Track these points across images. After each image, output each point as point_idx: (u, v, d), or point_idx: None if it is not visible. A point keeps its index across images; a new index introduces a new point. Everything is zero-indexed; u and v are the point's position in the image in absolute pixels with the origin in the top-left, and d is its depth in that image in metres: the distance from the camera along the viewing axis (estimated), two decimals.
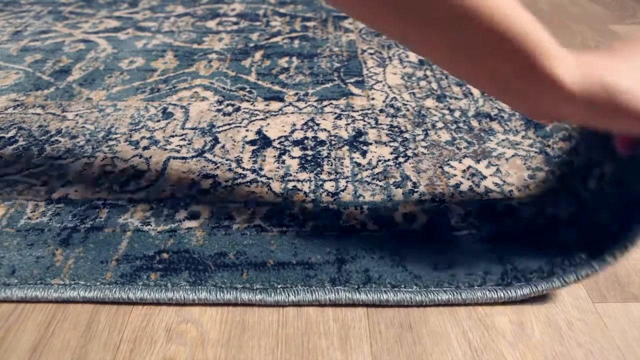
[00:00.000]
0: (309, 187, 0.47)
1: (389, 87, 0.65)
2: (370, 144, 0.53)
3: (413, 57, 0.74)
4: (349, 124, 0.57)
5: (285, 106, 0.61)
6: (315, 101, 0.62)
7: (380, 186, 0.47)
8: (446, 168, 0.49)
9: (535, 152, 0.51)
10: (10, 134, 0.55)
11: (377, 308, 0.36)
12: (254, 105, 0.61)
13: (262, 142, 0.54)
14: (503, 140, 0.54)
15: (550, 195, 0.44)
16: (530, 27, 0.28)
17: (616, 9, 0.98)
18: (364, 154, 0.52)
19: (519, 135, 0.54)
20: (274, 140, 0.54)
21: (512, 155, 0.51)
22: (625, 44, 0.33)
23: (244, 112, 0.60)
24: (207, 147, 0.53)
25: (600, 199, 0.38)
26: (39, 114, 0.59)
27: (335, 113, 0.59)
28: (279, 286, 0.37)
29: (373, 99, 0.63)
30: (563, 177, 0.44)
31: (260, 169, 0.50)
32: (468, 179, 0.48)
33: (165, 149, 0.53)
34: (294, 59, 0.74)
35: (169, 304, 0.36)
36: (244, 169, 0.50)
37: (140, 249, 0.40)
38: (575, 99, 0.29)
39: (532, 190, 0.46)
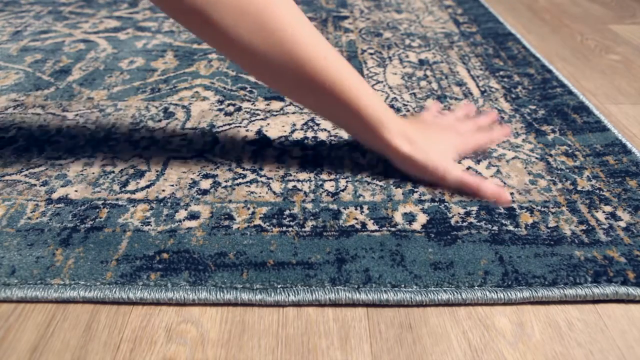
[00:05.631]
0: (309, 187, 0.47)
1: (389, 87, 0.65)
2: None
3: (413, 57, 0.74)
4: None
5: (286, 106, 0.61)
6: None
7: (380, 186, 0.47)
8: None
9: (537, 158, 0.51)
10: (10, 134, 0.55)
11: (377, 308, 0.36)
12: (255, 105, 0.61)
13: (262, 142, 0.54)
14: (503, 141, 0.54)
15: (552, 207, 0.44)
16: (374, 104, 0.43)
17: (616, 9, 0.98)
18: (364, 153, 0.52)
19: (520, 138, 0.54)
20: (274, 140, 0.54)
21: (513, 158, 0.51)
22: (423, 121, 0.53)
23: (245, 111, 0.60)
24: (207, 147, 0.53)
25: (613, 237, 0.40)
26: (39, 114, 0.59)
27: None
28: (279, 286, 0.37)
29: None
30: (565, 192, 0.45)
31: (260, 169, 0.50)
32: None
33: (166, 149, 0.53)
34: None
35: (169, 304, 0.36)
36: (244, 169, 0.50)
37: (140, 249, 0.40)
38: (406, 158, 0.46)
39: (533, 196, 0.46)
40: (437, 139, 0.48)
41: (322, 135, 0.55)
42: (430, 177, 0.46)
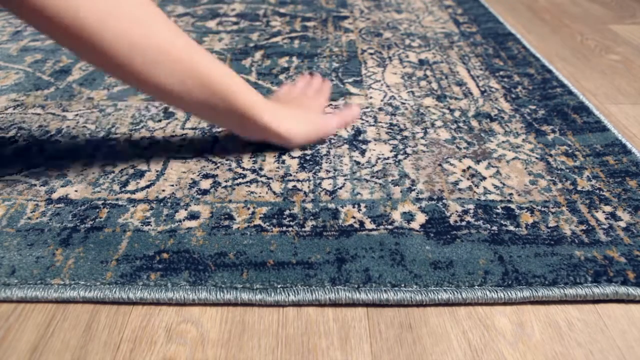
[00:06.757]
0: (309, 187, 0.47)
1: (387, 86, 0.65)
2: (369, 142, 0.53)
3: (413, 57, 0.74)
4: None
5: None
6: None
7: (380, 184, 0.47)
8: (445, 166, 0.49)
9: (537, 158, 0.51)
10: (10, 134, 0.55)
11: (377, 308, 0.36)
12: None
13: (262, 142, 0.54)
14: (504, 142, 0.54)
15: (552, 207, 0.44)
16: (242, 91, 0.46)
17: (616, 9, 0.98)
18: (363, 152, 0.52)
19: (520, 138, 0.54)
20: None
21: (513, 158, 0.51)
22: (281, 99, 0.58)
23: None
24: (207, 147, 0.53)
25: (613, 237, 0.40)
26: (39, 114, 0.59)
27: None
28: (279, 286, 0.37)
29: (371, 97, 0.63)
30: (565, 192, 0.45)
31: (260, 169, 0.50)
32: (468, 179, 0.48)
33: (166, 149, 0.53)
34: (294, 58, 0.74)
35: (169, 304, 0.36)
36: (244, 169, 0.50)
37: (140, 249, 0.40)
38: (278, 134, 0.50)
39: (533, 196, 0.46)
40: (296, 114, 0.53)
41: None
42: (289, 144, 0.52)
